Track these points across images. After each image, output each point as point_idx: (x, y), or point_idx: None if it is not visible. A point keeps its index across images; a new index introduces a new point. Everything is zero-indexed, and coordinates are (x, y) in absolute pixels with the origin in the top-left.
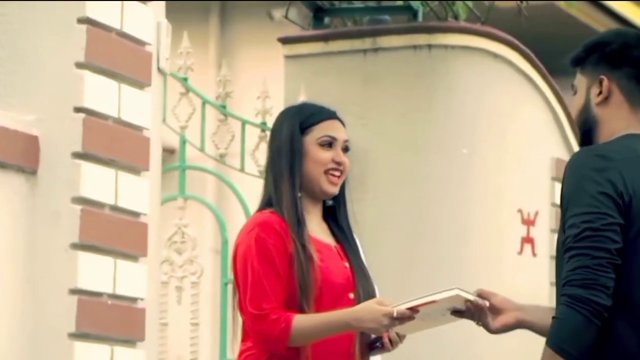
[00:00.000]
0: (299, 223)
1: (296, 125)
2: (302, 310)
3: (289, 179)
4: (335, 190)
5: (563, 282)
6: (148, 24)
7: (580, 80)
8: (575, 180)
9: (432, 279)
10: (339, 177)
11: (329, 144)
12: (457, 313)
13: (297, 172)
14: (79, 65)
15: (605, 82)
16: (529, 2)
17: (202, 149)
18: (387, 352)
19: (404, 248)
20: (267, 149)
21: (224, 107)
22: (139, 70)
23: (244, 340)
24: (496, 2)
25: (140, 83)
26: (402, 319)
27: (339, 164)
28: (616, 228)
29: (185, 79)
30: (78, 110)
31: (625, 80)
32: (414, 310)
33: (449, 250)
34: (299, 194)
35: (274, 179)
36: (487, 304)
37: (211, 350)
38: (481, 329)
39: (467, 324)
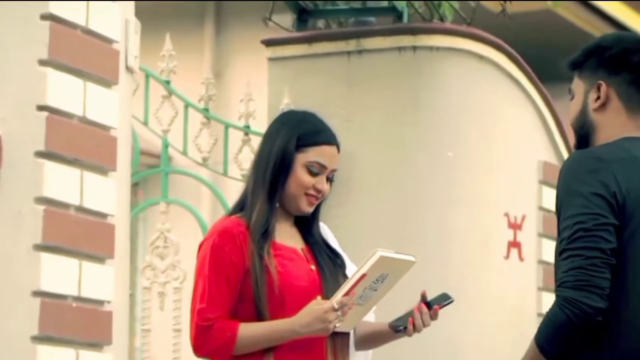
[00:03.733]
0: (265, 234)
1: (293, 139)
2: (260, 319)
3: (269, 189)
4: (310, 210)
5: (558, 284)
6: (115, 21)
7: (578, 84)
8: (568, 183)
9: (417, 283)
10: (316, 200)
11: (316, 171)
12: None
13: (280, 186)
14: (42, 63)
15: (604, 88)
16: (516, 3)
17: (184, 153)
18: (408, 336)
19: None
20: (258, 148)
21: (206, 110)
22: (106, 68)
23: None
24: (486, 6)
25: (107, 81)
26: (343, 307)
27: (318, 191)
28: (609, 228)
29: (168, 82)
30: (41, 108)
31: (623, 86)
32: (350, 294)
33: (434, 254)
34: (277, 205)
35: (254, 183)
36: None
37: (194, 356)
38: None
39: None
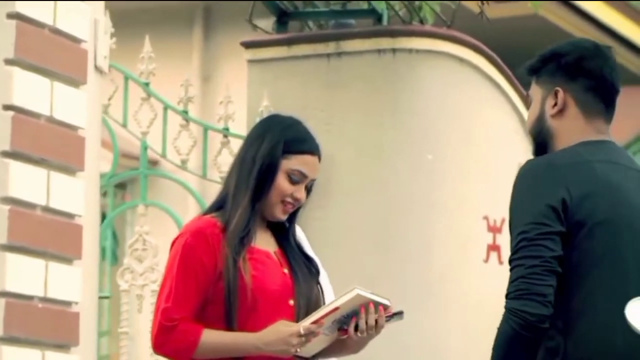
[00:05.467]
0: (244, 238)
1: (280, 145)
2: (228, 321)
3: (252, 194)
4: (284, 217)
5: (505, 296)
6: (84, 20)
7: (536, 90)
8: (517, 193)
9: (397, 287)
10: (292, 207)
11: (297, 179)
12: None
13: (265, 192)
14: (8, 62)
15: (561, 94)
16: (502, 7)
17: (163, 155)
18: (349, 338)
19: (368, 255)
20: (240, 150)
21: (185, 112)
22: (74, 68)
23: None
24: (470, 10)
25: (75, 81)
26: (309, 334)
27: (296, 199)
28: (553, 237)
29: (147, 84)
30: (7, 108)
31: (580, 92)
32: (319, 323)
33: (414, 257)
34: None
35: (236, 185)
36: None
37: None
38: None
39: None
